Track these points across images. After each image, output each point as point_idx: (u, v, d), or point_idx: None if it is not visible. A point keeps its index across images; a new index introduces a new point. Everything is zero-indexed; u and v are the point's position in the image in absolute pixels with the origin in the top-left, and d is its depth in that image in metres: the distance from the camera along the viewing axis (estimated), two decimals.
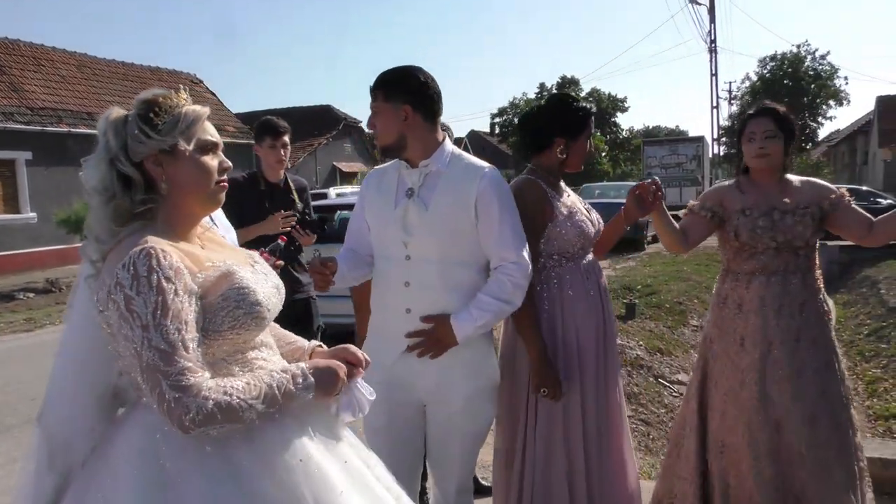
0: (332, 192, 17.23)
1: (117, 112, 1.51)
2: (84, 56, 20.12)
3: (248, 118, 25.55)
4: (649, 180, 2.55)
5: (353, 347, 1.70)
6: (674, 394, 5.90)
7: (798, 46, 43.12)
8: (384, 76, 2.23)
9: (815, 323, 2.69)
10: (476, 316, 2.21)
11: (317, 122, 27.70)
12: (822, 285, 2.78)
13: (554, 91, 55.78)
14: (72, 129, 16.90)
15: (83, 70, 19.53)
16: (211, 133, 1.54)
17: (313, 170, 26.91)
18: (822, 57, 42.92)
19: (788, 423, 2.62)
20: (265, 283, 1.54)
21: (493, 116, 56.77)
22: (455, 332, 2.21)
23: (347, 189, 18.90)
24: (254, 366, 1.49)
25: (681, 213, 2.93)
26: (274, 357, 1.58)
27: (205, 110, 1.53)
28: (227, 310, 1.43)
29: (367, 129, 2.30)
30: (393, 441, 2.33)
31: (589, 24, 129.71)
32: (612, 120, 56.91)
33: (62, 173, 16.42)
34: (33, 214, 16.13)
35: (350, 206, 7.02)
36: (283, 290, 1.64)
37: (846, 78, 45.56)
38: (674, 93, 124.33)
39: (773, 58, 44.54)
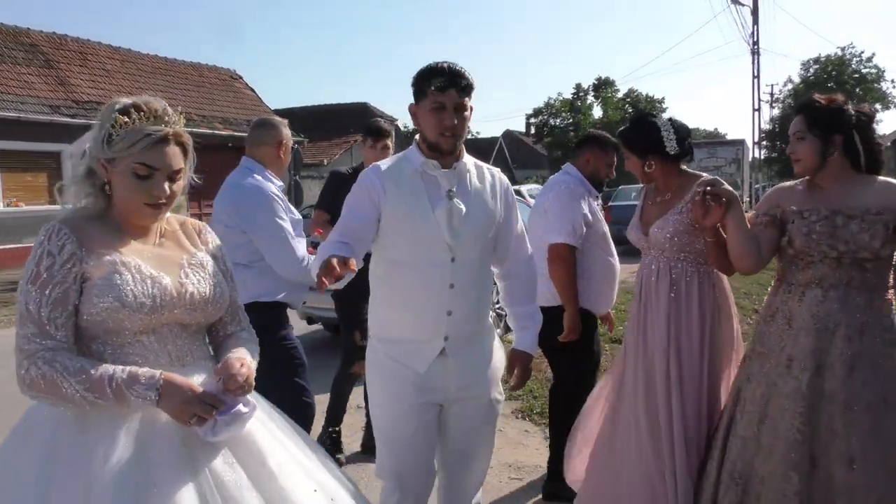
0: None
1: (113, 102, 1.64)
2: (128, 51, 20.53)
3: (285, 114, 25.79)
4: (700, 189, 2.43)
5: (234, 370, 1.62)
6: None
7: (843, 49, 42.21)
8: (467, 73, 2.17)
9: (877, 350, 2.29)
10: (535, 330, 2.52)
11: (353, 120, 27.82)
12: (894, 308, 2.38)
13: (590, 91, 55.46)
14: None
15: (126, 65, 19.92)
16: (153, 160, 1.60)
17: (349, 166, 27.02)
18: (868, 59, 41.97)
19: (826, 460, 2.28)
20: (147, 284, 1.60)
21: (529, 117, 56.48)
22: (532, 354, 2.50)
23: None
24: (128, 361, 1.58)
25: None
26: (174, 367, 1.63)
27: (158, 134, 1.60)
28: (91, 296, 1.56)
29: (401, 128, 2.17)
30: (418, 449, 2.31)
31: (628, 24, 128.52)
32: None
33: None
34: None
35: None
36: (192, 296, 1.67)
37: (893, 81, 44.31)
38: (713, 95, 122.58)
39: (816, 60, 43.63)
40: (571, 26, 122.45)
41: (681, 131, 2.86)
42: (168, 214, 1.77)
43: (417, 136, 2.30)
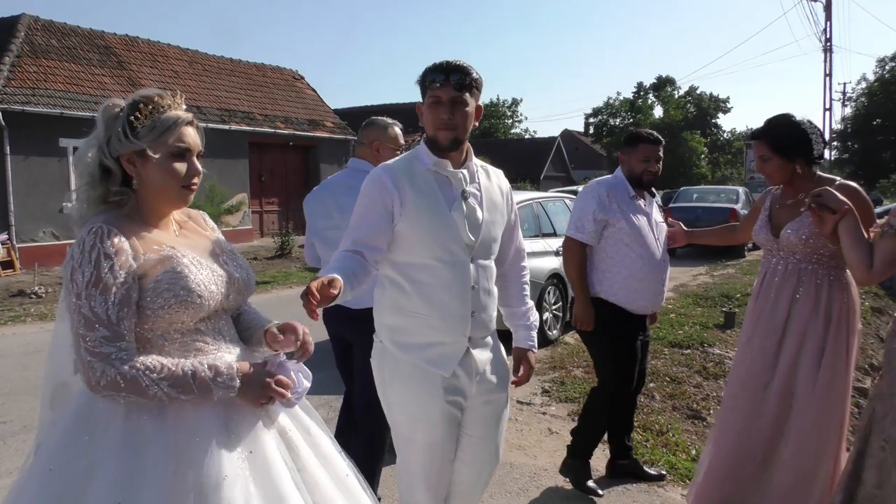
0: None
1: (114, 104, 1.66)
2: (195, 52, 21.14)
3: (345, 114, 26.17)
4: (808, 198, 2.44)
5: (298, 326, 1.75)
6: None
7: None
8: (468, 69, 2.17)
9: None
10: (534, 329, 2.53)
11: (411, 120, 27.96)
12: None
13: (650, 90, 54.43)
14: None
15: (194, 66, 20.52)
16: (185, 140, 1.66)
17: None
18: None
19: None
20: (207, 272, 1.65)
21: (588, 116, 55.89)
22: (535, 350, 2.53)
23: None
24: (192, 348, 1.63)
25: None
26: (224, 345, 1.70)
27: (185, 116, 1.66)
28: (158, 291, 1.57)
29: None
30: (447, 451, 2.30)
31: (692, 21, 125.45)
32: (714, 121, 54.85)
33: None
34: None
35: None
36: (239, 282, 1.75)
37: None
38: (781, 94, 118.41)
39: (893, 57, 41.79)
40: (633, 24, 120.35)
41: (823, 136, 2.91)
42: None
43: (425, 136, 2.28)
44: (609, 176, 3.68)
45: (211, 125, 18.49)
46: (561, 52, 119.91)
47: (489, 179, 2.34)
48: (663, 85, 54.46)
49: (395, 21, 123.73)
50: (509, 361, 2.48)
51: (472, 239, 2.21)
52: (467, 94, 2.15)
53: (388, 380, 2.28)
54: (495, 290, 2.35)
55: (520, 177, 30.85)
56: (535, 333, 2.52)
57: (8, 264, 13.76)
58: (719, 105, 54.33)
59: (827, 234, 2.45)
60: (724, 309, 8.15)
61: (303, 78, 24.72)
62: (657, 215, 3.63)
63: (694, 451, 4.25)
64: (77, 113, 15.18)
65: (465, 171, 2.24)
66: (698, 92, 54.08)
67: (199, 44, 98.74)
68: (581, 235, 3.52)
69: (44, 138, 14.56)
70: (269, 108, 21.41)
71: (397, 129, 3.35)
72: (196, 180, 1.71)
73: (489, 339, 2.35)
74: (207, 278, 1.65)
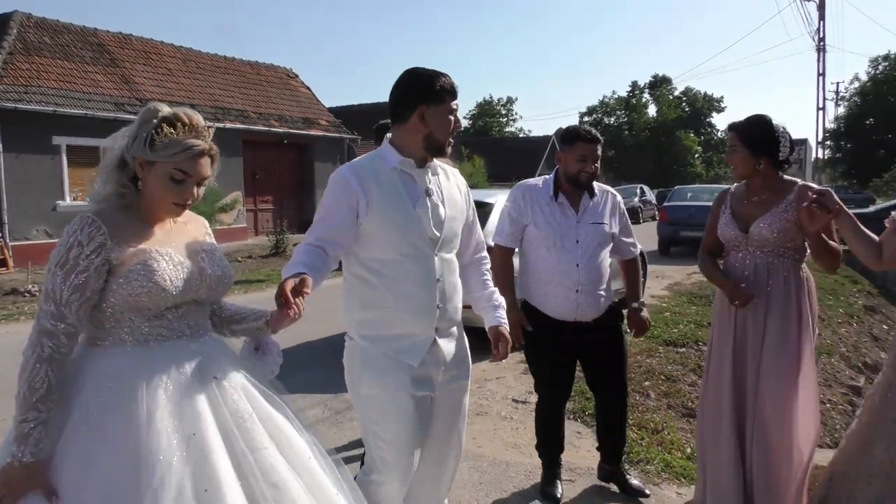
0: None
1: (156, 109, 1.85)
2: (189, 50, 21.06)
3: (340, 113, 26.13)
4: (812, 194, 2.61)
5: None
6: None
7: None
8: (448, 81, 2.33)
9: None
10: (503, 309, 2.63)
11: None
12: None
13: (646, 89, 54.52)
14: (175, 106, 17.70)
15: (188, 63, 20.45)
16: (189, 170, 1.84)
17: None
18: None
19: None
20: (178, 268, 1.83)
21: (582, 115, 55.95)
22: (507, 328, 2.60)
23: None
24: (154, 333, 1.82)
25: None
26: (187, 334, 1.88)
27: (198, 149, 1.84)
28: (129, 279, 1.76)
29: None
30: (417, 440, 2.36)
31: (686, 20, 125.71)
32: (707, 120, 54.99)
33: None
34: None
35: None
36: (210, 277, 1.92)
37: None
38: (774, 93, 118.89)
39: (885, 57, 41.99)
40: (628, 24, 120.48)
41: (791, 144, 3.08)
42: None
43: (392, 137, 2.37)
44: (539, 177, 3.58)
45: (206, 123, 18.44)
46: (556, 51, 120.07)
47: (448, 178, 2.47)
48: (659, 84, 54.57)
49: (389, 19, 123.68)
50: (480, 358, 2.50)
51: (437, 234, 2.33)
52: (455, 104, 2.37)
53: (359, 374, 2.34)
54: (459, 282, 2.46)
55: (514, 175, 30.84)
56: (503, 311, 2.62)
57: (1, 262, 13.70)
58: (713, 104, 54.46)
59: (814, 230, 2.69)
60: None
61: (297, 76, 24.66)
62: (606, 217, 3.41)
63: (689, 450, 4.26)
64: (70, 110, 15.12)
65: (427, 170, 2.37)
66: (693, 91, 54.21)
67: (193, 41, 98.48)
68: (501, 239, 3.51)
69: (37, 136, 14.49)
70: (263, 106, 21.36)
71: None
72: (190, 202, 1.90)
73: (454, 330, 2.46)
74: (176, 273, 1.83)
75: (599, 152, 3.36)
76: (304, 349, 6.49)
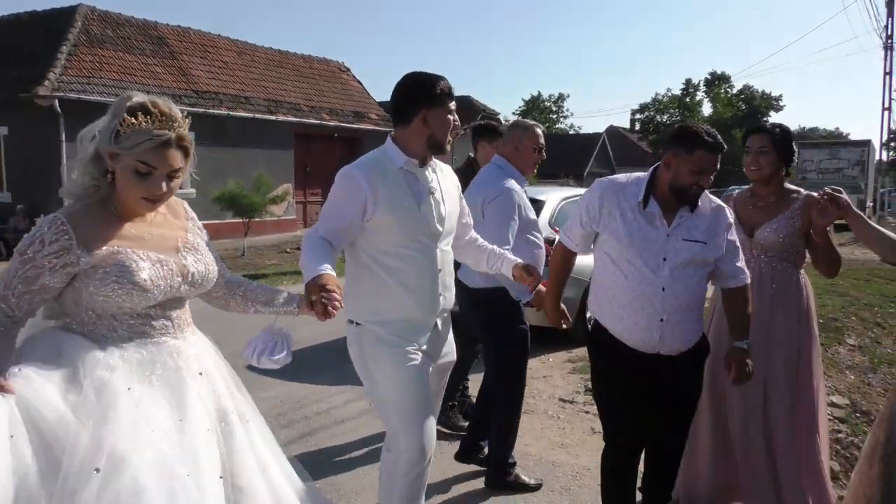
0: None
1: (128, 97, 1.76)
2: (245, 44, 21.43)
3: (389, 106, 26.24)
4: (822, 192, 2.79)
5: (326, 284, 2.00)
6: (827, 416, 5.44)
7: None
8: (447, 84, 2.49)
9: None
10: (510, 253, 2.89)
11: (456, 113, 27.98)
12: None
13: (701, 87, 53.41)
14: (230, 112, 18.09)
15: (243, 57, 20.81)
16: (151, 161, 1.73)
17: (449, 160, 27.22)
18: None
19: None
20: (157, 267, 1.79)
21: (634, 112, 55.08)
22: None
23: None
24: (138, 331, 1.80)
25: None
26: (172, 331, 1.86)
27: (159, 138, 1.72)
28: (106, 281, 1.72)
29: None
30: (433, 411, 2.58)
31: (746, 16, 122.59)
32: (764, 119, 53.54)
33: (220, 153, 17.61)
34: (192, 190, 17.29)
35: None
36: (194, 276, 1.89)
37: None
38: (835, 92, 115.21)
39: None
40: (685, 19, 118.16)
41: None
42: None
43: (395, 136, 2.50)
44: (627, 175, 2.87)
45: (258, 116, 18.77)
46: (609, 48, 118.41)
47: (444, 175, 2.64)
48: (717, 81, 53.38)
49: (441, 13, 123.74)
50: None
51: (440, 229, 2.52)
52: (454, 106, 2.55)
53: (370, 356, 2.48)
54: (453, 272, 2.67)
55: (563, 173, 30.60)
56: (511, 255, 2.86)
57: None
58: (771, 103, 53.03)
59: (823, 225, 2.84)
60: None
61: (349, 70, 24.88)
62: (705, 234, 2.66)
63: None
64: None
65: (429, 169, 2.54)
66: (750, 89, 52.87)
67: (249, 35, 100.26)
68: (565, 239, 2.92)
69: None
70: (315, 99, 21.60)
71: (538, 130, 3.65)
72: (160, 196, 1.80)
73: (447, 315, 2.68)
74: (155, 273, 1.78)
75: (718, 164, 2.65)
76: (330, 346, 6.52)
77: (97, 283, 1.73)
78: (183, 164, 1.81)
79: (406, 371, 2.45)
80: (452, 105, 2.49)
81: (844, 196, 2.74)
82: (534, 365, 5.91)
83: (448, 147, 2.52)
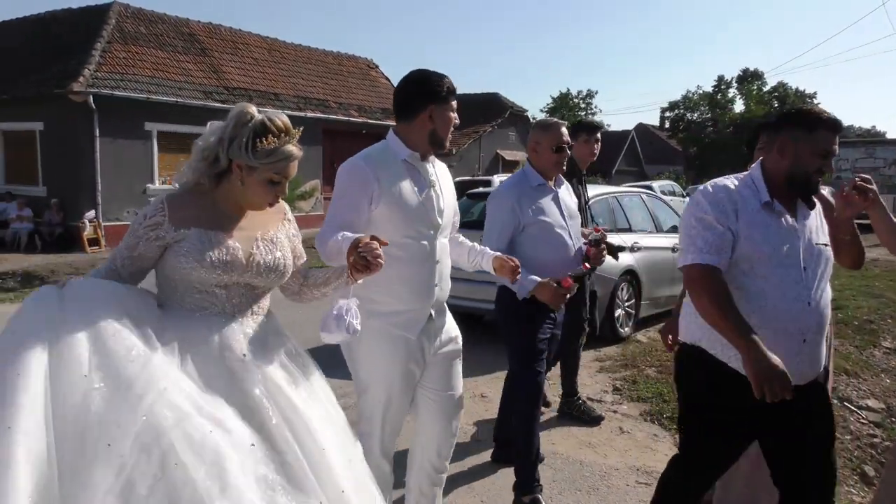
0: (496, 179, 17.28)
1: (249, 112, 1.99)
2: (275, 40, 21.58)
3: None
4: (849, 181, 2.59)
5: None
6: (861, 420, 5.32)
7: None
8: (451, 83, 2.56)
9: None
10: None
11: (484, 110, 27.93)
12: None
13: (733, 84, 52.61)
14: (260, 109, 18.20)
15: (272, 53, 20.95)
16: (287, 174, 2.03)
17: (476, 157, 27.21)
18: None
19: None
20: (223, 251, 1.99)
21: (664, 110, 54.41)
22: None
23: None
24: (200, 305, 2.00)
25: None
26: (228, 311, 2.02)
27: (297, 155, 2.02)
28: (184, 257, 1.96)
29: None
30: (400, 404, 2.59)
31: (779, 13, 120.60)
32: None
33: None
34: None
35: None
36: (261, 266, 2.05)
37: None
38: (872, 90, 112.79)
39: None
40: (714, 17, 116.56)
41: None
42: None
43: (397, 130, 2.59)
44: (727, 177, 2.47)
45: (287, 112, 18.86)
46: (639, 45, 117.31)
47: (442, 170, 2.72)
48: (749, 78, 52.53)
49: (468, 10, 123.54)
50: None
51: (439, 221, 2.59)
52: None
53: (359, 342, 2.50)
54: (450, 263, 2.71)
55: (590, 171, 30.38)
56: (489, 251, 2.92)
57: (94, 241, 14.44)
58: (805, 100, 52.03)
59: (849, 215, 2.58)
60: None
61: (377, 67, 24.92)
62: (826, 234, 2.48)
63: None
64: (162, 98, 15.74)
65: (430, 163, 2.62)
66: (784, 86, 51.93)
67: (278, 31, 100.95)
68: (695, 256, 2.28)
69: (130, 122, 15.16)
70: (343, 96, 21.69)
71: (560, 129, 3.49)
72: (277, 201, 2.11)
73: (444, 307, 2.72)
74: (220, 255, 1.99)
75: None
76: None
77: (175, 254, 1.98)
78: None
79: (387, 369, 2.53)
80: (454, 104, 2.57)
81: (874, 187, 2.56)
82: None
83: (447, 144, 2.60)
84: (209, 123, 2.06)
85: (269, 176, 2.00)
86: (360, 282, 2.15)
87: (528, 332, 3.37)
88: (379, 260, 2.01)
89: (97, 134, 14.64)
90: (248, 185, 2.01)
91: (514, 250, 3.25)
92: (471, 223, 7.13)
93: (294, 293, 2.34)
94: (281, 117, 2.01)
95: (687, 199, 25.74)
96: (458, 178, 11.00)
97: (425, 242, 2.55)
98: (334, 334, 2.12)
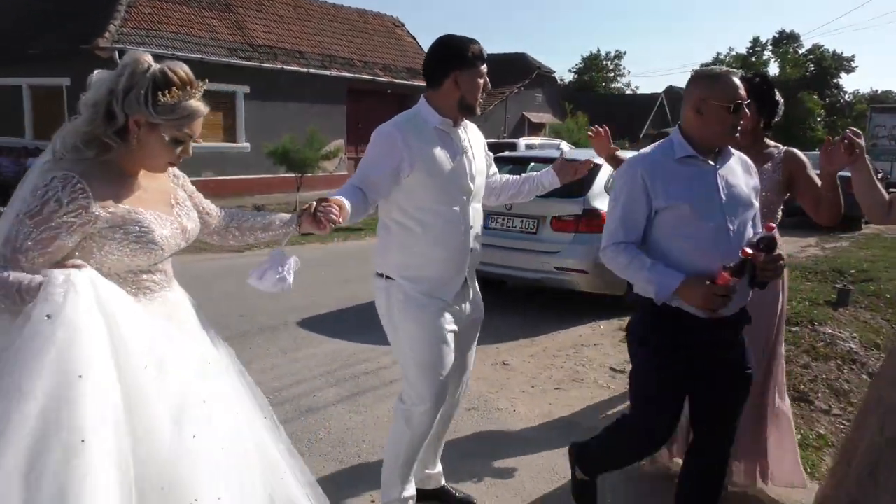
0: (522, 142, 17.07)
1: (144, 60, 1.76)
2: None
3: None
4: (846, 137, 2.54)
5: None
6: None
7: None
8: (479, 48, 2.53)
9: None
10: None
11: (510, 70, 27.48)
12: None
13: (769, 46, 51.17)
14: (285, 67, 18.10)
15: (298, 10, 20.70)
16: (193, 130, 1.83)
17: (502, 118, 26.88)
18: None
19: None
20: (168, 227, 1.86)
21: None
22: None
23: (536, 140, 18.59)
24: (142, 286, 1.86)
25: None
26: (167, 283, 1.94)
27: (201, 112, 1.81)
28: (125, 241, 1.77)
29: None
30: (449, 368, 2.61)
31: None
32: (834, 81, 51.12)
33: (274, 107, 17.69)
34: (247, 144, 17.59)
35: (544, 160, 6.88)
36: (190, 232, 1.97)
37: None
38: None
39: None
40: None
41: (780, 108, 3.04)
42: None
43: (427, 97, 2.57)
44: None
45: (312, 70, 18.75)
46: (670, 4, 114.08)
47: (474, 134, 2.72)
48: (784, 40, 51.03)
49: None
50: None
51: (472, 186, 2.60)
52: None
53: (397, 311, 2.57)
54: (481, 228, 2.72)
55: (618, 134, 29.86)
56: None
57: None
58: (842, 64, 50.49)
59: (832, 169, 2.64)
60: (836, 285, 7.62)
61: (403, 25, 24.56)
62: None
63: (799, 435, 4.00)
64: (187, 54, 15.63)
65: (461, 130, 2.61)
66: (821, 49, 50.37)
67: None
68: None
69: None
70: (368, 55, 21.44)
71: (732, 80, 2.39)
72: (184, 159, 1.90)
73: (475, 273, 2.76)
74: (169, 232, 1.87)
75: None
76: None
77: (114, 242, 1.77)
78: None
79: (430, 328, 2.55)
80: (484, 68, 2.53)
81: (861, 142, 2.55)
82: (584, 332, 5.83)
83: (479, 109, 2.56)
84: (95, 72, 1.82)
85: (174, 134, 1.79)
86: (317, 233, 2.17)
87: (645, 353, 2.48)
88: (330, 224, 2.07)
89: None
90: (147, 144, 1.79)
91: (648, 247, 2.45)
92: None
93: (214, 233, 2.21)
94: (183, 67, 1.80)
95: None
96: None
97: (457, 208, 2.56)
98: (265, 284, 2.09)
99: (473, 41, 2.52)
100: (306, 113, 18.07)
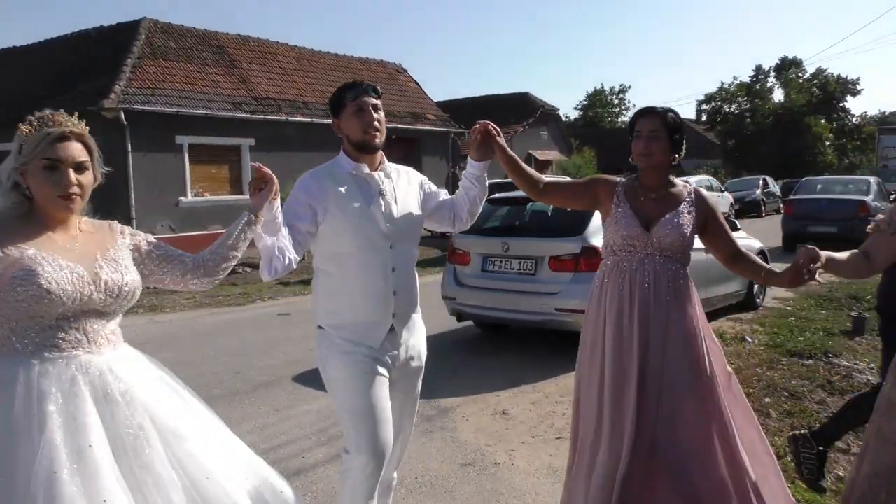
0: None
1: (20, 127, 1.87)
2: (303, 49, 21.67)
3: (447, 106, 26.15)
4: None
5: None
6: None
7: None
8: (348, 87, 2.62)
9: None
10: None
11: (514, 110, 27.70)
12: None
13: (772, 73, 51.31)
14: (289, 118, 18.28)
15: (301, 62, 21.03)
16: (55, 154, 1.85)
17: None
18: None
19: None
20: (66, 273, 1.81)
21: (700, 103, 53.38)
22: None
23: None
24: (49, 344, 1.80)
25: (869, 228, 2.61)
26: (87, 346, 1.86)
27: (55, 132, 1.85)
28: (14, 286, 1.76)
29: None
30: (387, 418, 2.55)
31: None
32: (841, 105, 51.01)
33: (280, 158, 17.80)
34: None
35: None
36: (109, 284, 1.89)
37: None
38: None
39: None
40: (749, 4, 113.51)
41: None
42: (85, 218, 2.01)
43: (343, 145, 2.66)
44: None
45: (317, 120, 18.94)
46: (672, 37, 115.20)
47: (402, 177, 2.74)
48: (787, 67, 51.18)
49: (497, 10, 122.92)
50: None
51: (390, 229, 2.58)
52: (380, 101, 2.64)
53: (326, 357, 2.59)
54: (415, 272, 2.72)
55: (626, 167, 29.84)
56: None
57: None
58: (847, 87, 50.47)
59: (797, 284, 2.66)
60: (852, 313, 7.40)
61: (406, 71, 24.87)
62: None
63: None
64: (192, 111, 15.89)
65: (380, 173, 2.64)
66: (825, 73, 50.43)
67: (308, 40, 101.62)
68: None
69: (161, 135, 15.33)
70: None
71: None
72: (74, 190, 1.87)
73: (414, 318, 2.70)
74: (63, 278, 1.80)
75: None
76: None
77: (7, 288, 1.77)
78: (87, 158, 1.91)
79: (356, 374, 2.52)
80: (363, 100, 2.57)
81: (820, 253, 2.56)
82: None
83: (376, 142, 2.59)
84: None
85: (40, 164, 1.84)
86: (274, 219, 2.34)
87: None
88: (267, 176, 2.30)
89: (129, 149, 14.81)
90: (33, 186, 1.86)
91: None
92: (492, 230, 6.94)
93: (203, 276, 2.21)
94: (51, 111, 1.89)
95: (725, 193, 25.11)
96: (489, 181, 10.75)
97: (377, 251, 2.57)
98: (277, 268, 2.35)
99: (348, 85, 2.63)
100: (312, 161, 17.91)
